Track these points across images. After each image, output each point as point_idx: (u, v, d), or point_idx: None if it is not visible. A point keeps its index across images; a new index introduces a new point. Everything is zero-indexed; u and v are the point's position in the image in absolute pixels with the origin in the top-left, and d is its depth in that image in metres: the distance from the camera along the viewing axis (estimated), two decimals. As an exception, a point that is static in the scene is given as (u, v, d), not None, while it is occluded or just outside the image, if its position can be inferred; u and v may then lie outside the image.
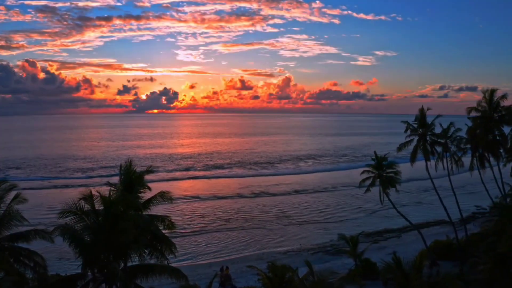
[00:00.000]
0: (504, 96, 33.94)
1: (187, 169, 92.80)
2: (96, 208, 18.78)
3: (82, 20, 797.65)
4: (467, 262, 28.23)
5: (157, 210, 22.26)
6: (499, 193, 35.99)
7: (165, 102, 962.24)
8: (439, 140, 32.66)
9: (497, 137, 33.52)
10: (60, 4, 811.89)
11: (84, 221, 18.03)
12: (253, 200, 60.40)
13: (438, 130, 33.21)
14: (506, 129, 34.64)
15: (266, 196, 63.14)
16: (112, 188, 21.74)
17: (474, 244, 28.30)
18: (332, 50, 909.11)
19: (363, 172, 32.53)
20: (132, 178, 21.58)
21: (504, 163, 37.34)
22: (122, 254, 18.41)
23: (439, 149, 33.12)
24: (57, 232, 18.31)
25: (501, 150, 36.17)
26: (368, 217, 51.01)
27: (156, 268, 18.36)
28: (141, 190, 22.14)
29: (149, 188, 22.82)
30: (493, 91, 33.79)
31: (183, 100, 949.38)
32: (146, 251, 20.53)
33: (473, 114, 34.67)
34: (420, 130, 32.68)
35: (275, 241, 41.41)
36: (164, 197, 21.82)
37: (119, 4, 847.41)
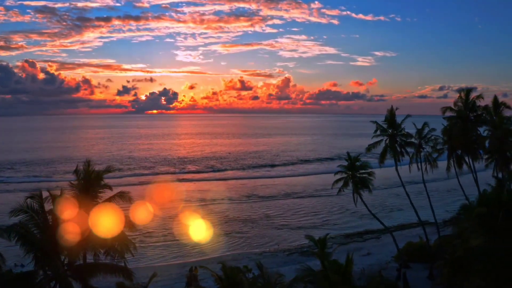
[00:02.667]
0: (480, 96, 33.61)
1: (179, 171, 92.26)
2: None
3: (81, 20, 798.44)
4: (435, 265, 28.00)
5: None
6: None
7: (165, 102, 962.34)
8: (407, 140, 32.31)
9: (473, 137, 33.14)
10: (59, 5, 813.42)
11: (34, 220, 17.99)
12: (240, 202, 59.96)
13: (413, 130, 32.93)
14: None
15: (254, 198, 62.47)
16: (73, 188, 21.92)
17: (446, 246, 28.04)
18: (331, 50, 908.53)
19: (337, 173, 32.29)
20: (91, 178, 21.63)
21: (485, 164, 37.03)
22: (73, 253, 18.39)
23: (411, 150, 32.81)
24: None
25: (481, 151, 35.94)
26: (354, 218, 50.64)
27: (104, 267, 18.25)
28: (101, 190, 22.24)
29: (110, 188, 22.81)
30: (469, 91, 33.48)
31: (182, 100, 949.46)
32: (101, 250, 20.59)
33: (448, 114, 34.26)
34: (390, 130, 32.39)
35: (255, 242, 41.20)
36: (123, 197, 21.85)
37: (118, 4, 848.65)
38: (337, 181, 31.91)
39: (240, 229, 45.96)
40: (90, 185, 21.32)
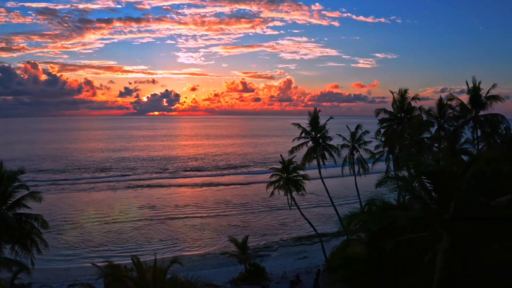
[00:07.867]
0: (415, 97, 33.61)
1: (155, 177, 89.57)
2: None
3: (83, 22, 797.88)
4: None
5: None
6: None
7: (166, 104, 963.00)
8: (328, 142, 32.57)
9: (406, 139, 33.18)
10: (60, 6, 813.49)
11: None
12: (205, 207, 58.94)
13: (346, 133, 33.24)
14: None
15: (222, 203, 61.04)
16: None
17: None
18: (332, 52, 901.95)
19: (272, 175, 32.67)
20: (3, 178, 22.54)
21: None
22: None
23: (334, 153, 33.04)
24: None
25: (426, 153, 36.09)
26: (318, 223, 49.73)
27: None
28: (16, 190, 23.14)
29: (27, 188, 23.74)
30: (404, 91, 33.43)
31: (184, 102, 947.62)
32: (5, 246, 21.58)
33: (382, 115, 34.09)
34: (313, 133, 32.64)
35: (205, 244, 41.43)
36: (34, 196, 22.80)
37: (119, 6, 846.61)
38: (271, 183, 32.22)
39: (195, 232, 45.92)
40: (2, 184, 22.32)
